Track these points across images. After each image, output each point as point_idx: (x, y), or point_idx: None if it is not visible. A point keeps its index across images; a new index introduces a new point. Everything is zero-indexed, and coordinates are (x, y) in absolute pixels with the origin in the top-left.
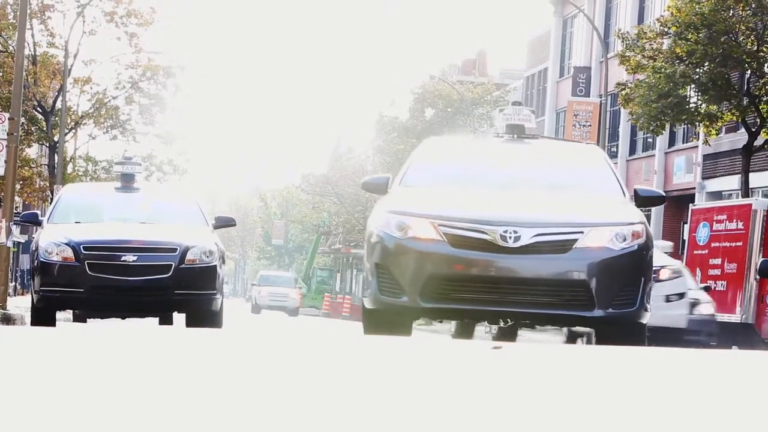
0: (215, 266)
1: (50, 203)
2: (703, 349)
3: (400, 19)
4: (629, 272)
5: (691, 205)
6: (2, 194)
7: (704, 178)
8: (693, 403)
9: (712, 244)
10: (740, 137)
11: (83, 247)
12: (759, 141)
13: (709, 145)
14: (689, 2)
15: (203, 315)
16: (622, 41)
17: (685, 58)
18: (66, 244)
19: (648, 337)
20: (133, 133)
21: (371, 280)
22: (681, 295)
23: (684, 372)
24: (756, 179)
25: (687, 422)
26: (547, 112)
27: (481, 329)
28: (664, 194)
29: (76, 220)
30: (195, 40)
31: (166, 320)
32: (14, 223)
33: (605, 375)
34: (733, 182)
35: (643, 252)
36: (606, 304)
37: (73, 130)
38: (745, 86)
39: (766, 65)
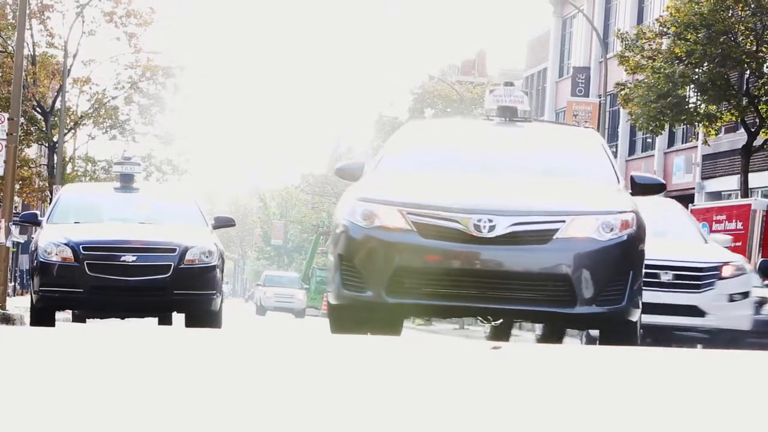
0: (214, 266)
1: (49, 203)
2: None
3: (400, 19)
4: (616, 265)
5: (690, 205)
6: (1, 194)
7: (703, 178)
8: (693, 405)
9: None
10: (739, 137)
11: (82, 247)
12: (758, 141)
13: (709, 145)
14: (688, 2)
15: (202, 315)
16: (622, 41)
17: (684, 59)
18: (65, 244)
19: (709, 339)
20: (133, 133)
21: (335, 273)
22: (745, 294)
23: (684, 373)
24: (755, 179)
25: (688, 424)
26: (547, 112)
27: (481, 329)
28: (663, 182)
29: (75, 221)
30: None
31: (165, 320)
32: (13, 223)
33: (606, 375)
34: (732, 182)
35: (633, 243)
36: (589, 300)
37: (73, 131)
38: (745, 86)
39: (765, 65)
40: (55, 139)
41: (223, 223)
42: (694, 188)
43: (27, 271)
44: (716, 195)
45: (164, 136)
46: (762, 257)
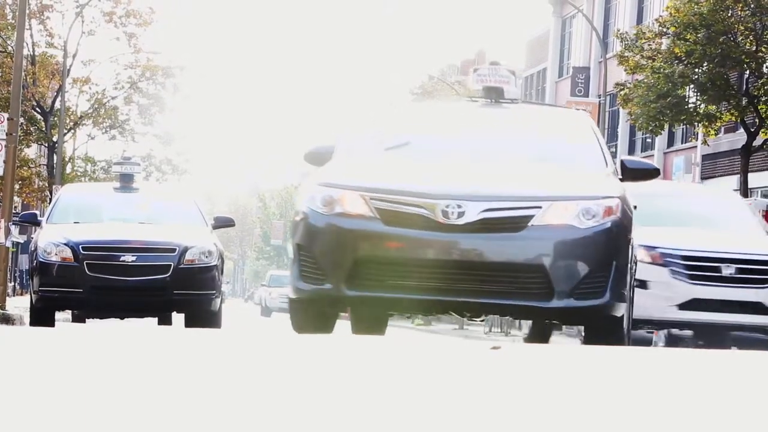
0: (214, 266)
1: (49, 203)
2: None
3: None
4: (598, 255)
5: None
6: (1, 194)
7: (703, 178)
8: (694, 405)
9: None
10: (739, 137)
11: (82, 247)
12: (758, 141)
13: (708, 145)
14: (688, 2)
15: (202, 315)
16: (621, 41)
17: (683, 58)
18: (65, 244)
19: None
20: (132, 133)
21: (293, 264)
22: None
23: (684, 373)
24: (755, 179)
25: (688, 424)
26: None
27: (480, 329)
28: (656, 167)
29: (75, 221)
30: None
31: (165, 320)
32: (13, 224)
33: (606, 376)
34: (731, 182)
35: (618, 232)
36: (567, 293)
37: (72, 131)
38: (744, 86)
39: (764, 65)
40: (54, 139)
41: (222, 223)
42: None
43: (27, 271)
44: None
45: (164, 136)
46: None
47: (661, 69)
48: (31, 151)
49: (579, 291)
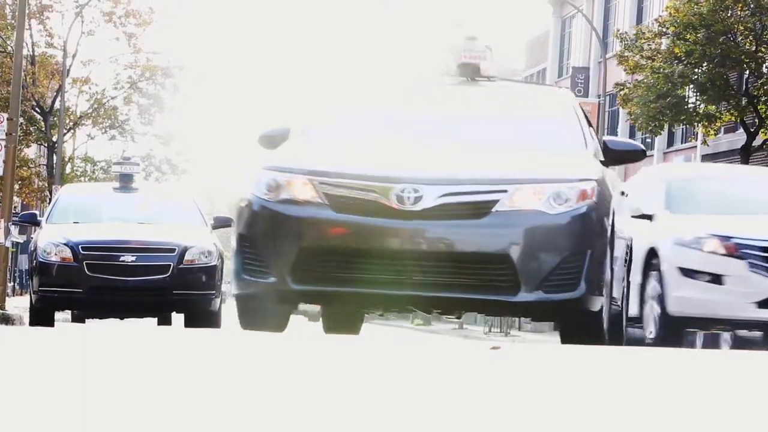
0: (214, 266)
1: (49, 203)
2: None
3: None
4: (570, 244)
5: None
6: (1, 194)
7: None
8: (694, 405)
9: None
10: (739, 137)
11: (82, 247)
12: (757, 141)
13: (708, 145)
14: (688, 2)
15: (202, 315)
16: (621, 41)
17: (683, 59)
18: (64, 244)
19: None
20: (132, 133)
21: (236, 257)
22: None
23: (686, 373)
24: None
25: (689, 425)
26: None
27: (480, 329)
28: (642, 147)
29: (74, 221)
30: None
31: (164, 320)
32: (13, 224)
33: (607, 376)
34: None
35: (593, 218)
36: (535, 285)
37: (72, 131)
38: (744, 86)
39: (764, 65)
40: (54, 139)
41: (222, 223)
42: None
43: (26, 271)
44: None
45: (163, 135)
46: None
47: (660, 69)
48: (31, 151)
49: (549, 283)
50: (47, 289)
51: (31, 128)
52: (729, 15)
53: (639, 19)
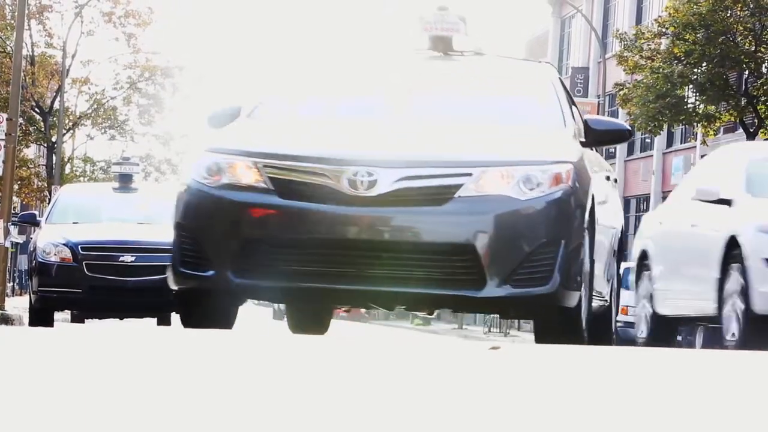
0: None
1: (48, 204)
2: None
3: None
4: (542, 233)
5: None
6: (0, 195)
7: None
8: (696, 406)
9: None
10: (738, 137)
11: (81, 247)
12: (757, 141)
13: (707, 145)
14: (687, 2)
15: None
16: (620, 42)
17: (683, 59)
18: (64, 244)
19: None
20: (131, 134)
21: (173, 248)
22: None
23: (686, 373)
24: None
25: (688, 425)
26: None
27: (480, 329)
28: (627, 127)
29: (74, 221)
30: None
31: (164, 320)
32: (12, 224)
33: (607, 376)
34: None
35: (569, 204)
36: (503, 279)
37: (71, 131)
38: (743, 86)
39: (763, 65)
40: (53, 140)
41: None
42: None
43: (26, 271)
44: None
45: (163, 136)
46: None
47: (660, 69)
48: (30, 152)
49: (518, 277)
50: (47, 290)
51: (30, 128)
52: (728, 15)
53: (638, 20)
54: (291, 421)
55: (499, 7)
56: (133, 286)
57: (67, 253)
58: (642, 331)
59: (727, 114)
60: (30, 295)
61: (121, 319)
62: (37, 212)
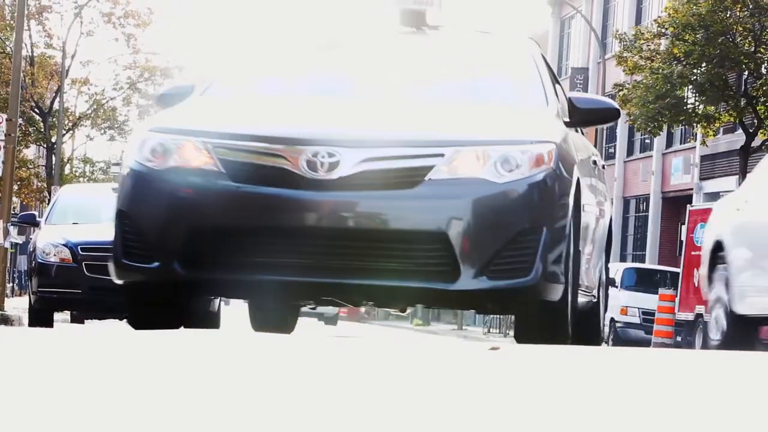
0: None
1: (48, 204)
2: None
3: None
4: (521, 219)
5: (688, 206)
6: (0, 195)
7: (702, 179)
8: (696, 406)
9: None
10: (738, 138)
11: (81, 247)
12: (756, 142)
13: (707, 146)
14: (687, 3)
15: (201, 316)
16: (620, 42)
17: (682, 59)
18: (63, 245)
19: None
20: (131, 134)
21: (115, 238)
22: None
23: (687, 373)
24: None
25: (689, 425)
26: None
27: (479, 330)
28: (615, 106)
29: (73, 221)
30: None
31: None
32: (12, 224)
33: (608, 376)
34: (730, 183)
35: (551, 187)
36: (477, 270)
37: (71, 131)
38: (743, 87)
39: (763, 66)
40: (53, 140)
41: None
42: (692, 189)
43: (25, 271)
44: (714, 196)
45: None
46: None
47: (659, 70)
48: (30, 152)
49: (495, 268)
50: (46, 290)
51: (30, 129)
52: (728, 16)
53: (638, 20)
54: (291, 422)
55: (499, 7)
56: None
57: (66, 254)
58: (716, 334)
59: (726, 114)
60: (29, 295)
61: (121, 319)
62: (36, 213)
